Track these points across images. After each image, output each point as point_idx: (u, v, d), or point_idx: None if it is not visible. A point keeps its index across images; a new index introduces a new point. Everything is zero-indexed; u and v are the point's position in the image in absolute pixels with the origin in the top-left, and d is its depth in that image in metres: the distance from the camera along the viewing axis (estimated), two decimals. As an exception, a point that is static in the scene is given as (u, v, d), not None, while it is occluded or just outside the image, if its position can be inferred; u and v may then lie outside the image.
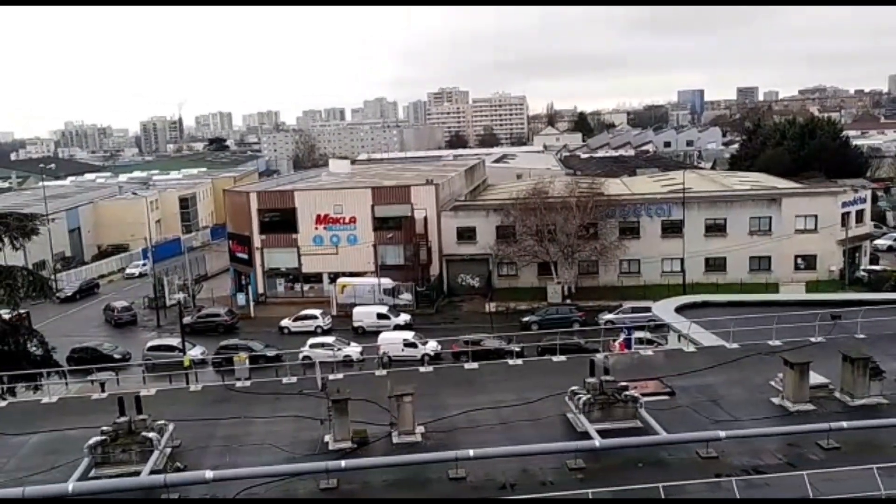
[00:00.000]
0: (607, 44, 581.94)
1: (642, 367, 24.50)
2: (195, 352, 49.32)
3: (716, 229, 64.57)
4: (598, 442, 17.92)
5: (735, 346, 25.95)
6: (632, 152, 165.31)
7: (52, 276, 68.96)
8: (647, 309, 41.98)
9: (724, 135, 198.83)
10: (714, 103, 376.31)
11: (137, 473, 17.43)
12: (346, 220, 67.04)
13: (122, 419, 18.39)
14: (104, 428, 18.31)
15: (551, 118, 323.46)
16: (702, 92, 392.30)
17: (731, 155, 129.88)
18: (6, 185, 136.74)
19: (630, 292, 60.54)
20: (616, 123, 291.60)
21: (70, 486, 16.70)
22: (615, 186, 75.23)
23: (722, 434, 17.82)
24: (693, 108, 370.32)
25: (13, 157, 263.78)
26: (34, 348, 32.34)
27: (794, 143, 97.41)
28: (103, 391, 26.05)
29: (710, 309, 35.61)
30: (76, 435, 19.30)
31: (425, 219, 65.82)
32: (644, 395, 20.25)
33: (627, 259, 64.95)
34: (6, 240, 31.91)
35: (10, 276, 31.54)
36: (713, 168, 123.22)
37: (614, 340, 39.79)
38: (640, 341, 39.30)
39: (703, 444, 18.11)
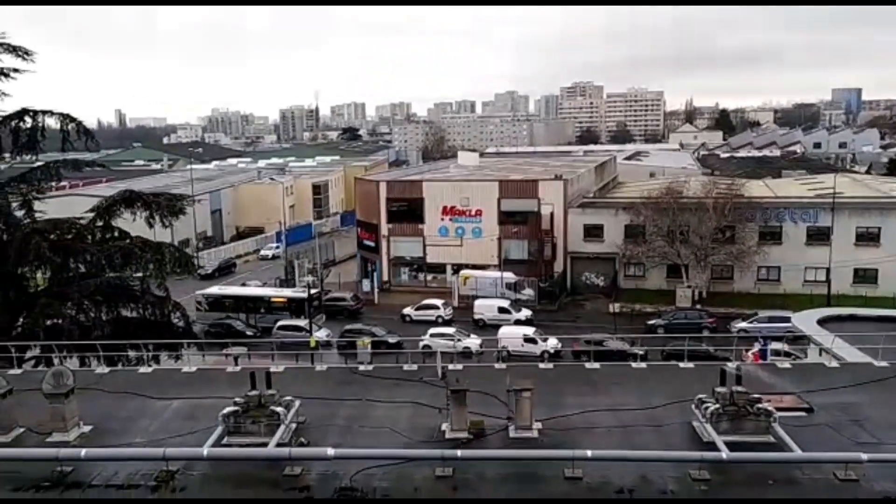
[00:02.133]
0: (755, 38, 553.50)
1: (778, 380, 23.17)
2: (321, 334, 51.24)
3: (868, 238, 60.25)
4: (725, 454, 17.08)
5: (884, 364, 24.03)
6: (777, 153, 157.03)
7: (195, 254, 73.38)
8: (786, 319, 39.92)
9: (882, 137, 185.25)
10: (872, 103, 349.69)
11: (265, 445, 18.23)
12: (472, 213, 67.46)
13: (253, 392, 19.27)
14: (237, 399, 19.26)
15: (690, 115, 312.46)
16: (859, 91, 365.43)
17: (890, 159, 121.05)
18: (158, 166, 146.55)
19: (767, 301, 57.59)
20: (761, 122, 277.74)
21: (205, 450, 17.73)
22: (757, 188, 71.77)
23: (864, 457, 16.53)
24: (848, 107, 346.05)
25: (165, 140, 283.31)
26: (177, 320, 34.63)
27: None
28: (236, 364, 27.40)
29: (857, 323, 33.23)
30: (211, 403, 20.39)
31: (552, 214, 65.21)
32: (778, 409, 19.11)
33: (766, 266, 61.78)
34: (157, 217, 34.32)
35: (159, 252, 33.89)
36: (868, 172, 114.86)
37: (748, 350, 37.93)
38: (777, 353, 37.25)
39: (841, 466, 16.88)
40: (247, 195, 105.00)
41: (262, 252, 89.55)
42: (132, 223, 34.88)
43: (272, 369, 22.57)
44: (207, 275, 75.79)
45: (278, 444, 18.20)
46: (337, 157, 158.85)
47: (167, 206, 34.66)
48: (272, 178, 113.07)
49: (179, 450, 17.91)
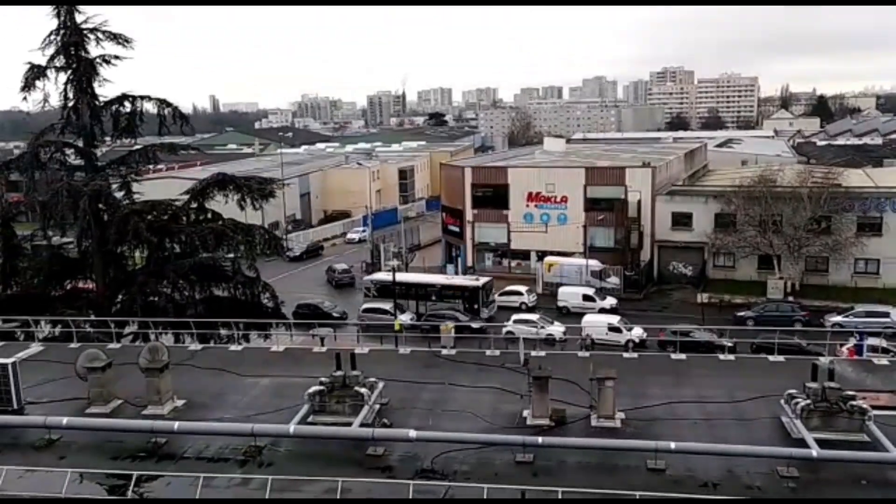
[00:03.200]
0: (859, 19, 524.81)
1: (874, 377, 22.18)
2: (405, 317, 51.93)
3: (976, 230, 56.59)
4: (815, 452, 16.55)
5: None
6: (879, 140, 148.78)
7: (284, 237, 75.39)
8: (885, 314, 38.09)
9: None
10: None
11: (349, 424, 18.72)
12: (558, 200, 66.86)
13: (339, 373, 19.80)
14: (322, 379, 19.83)
15: (785, 101, 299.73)
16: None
17: None
18: (250, 150, 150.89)
19: (865, 294, 54.95)
20: (862, 108, 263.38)
21: (291, 427, 18.39)
22: (856, 177, 68.33)
23: (969, 461, 15.73)
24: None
25: (256, 125, 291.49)
26: (266, 300, 35.79)
27: None
28: (323, 345, 28.17)
29: (962, 320, 31.38)
30: (298, 382, 21.09)
31: (639, 202, 63.92)
32: (874, 407, 18.33)
33: (865, 258, 58.85)
34: (248, 200, 35.48)
35: (250, 234, 35.07)
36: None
37: (842, 345, 36.36)
38: (874, 349, 35.57)
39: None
40: (334, 179, 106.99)
41: (349, 235, 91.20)
42: (224, 205, 36.14)
43: (357, 351, 23.12)
44: (296, 257, 77.75)
45: (362, 425, 18.68)
46: (423, 143, 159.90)
47: (258, 189, 35.79)
48: (359, 163, 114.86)
49: (267, 426, 18.64)
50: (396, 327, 45.35)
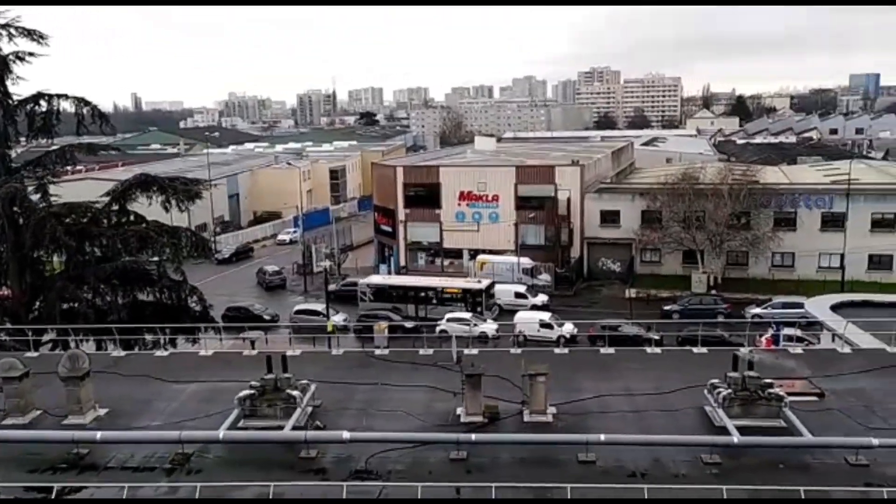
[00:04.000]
0: (773, 23, 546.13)
1: (790, 365, 23.15)
2: (338, 318, 51.55)
3: (883, 224, 59.66)
4: (736, 438, 17.18)
5: (897, 350, 23.99)
6: (793, 139, 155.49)
7: (212, 239, 73.85)
8: (800, 305, 39.73)
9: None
10: (891, 88, 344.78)
11: (281, 428, 18.47)
12: (489, 198, 67.42)
13: (270, 376, 19.50)
14: (253, 383, 19.50)
15: (706, 101, 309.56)
16: (877, 76, 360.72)
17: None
18: (174, 151, 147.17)
19: (781, 286, 57.27)
20: (777, 108, 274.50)
21: (220, 433, 18.02)
22: (772, 174, 71.10)
23: (875, 442, 16.57)
24: (866, 93, 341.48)
25: (182, 125, 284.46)
26: (194, 304, 34.98)
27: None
28: (253, 348, 27.72)
29: (870, 309, 33.03)
30: (228, 387, 20.66)
31: (568, 200, 65.06)
32: (790, 394, 19.15)
33: (781, 252, 61.38)
34: (173, 202, 34.60)
35: (176, 236, 34.23)
36: (885, 158, 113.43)
37: (761, 336, 37.81)
38: (790, 338, 37.12)
39: (852, 451, 16.93)
40: (264, 180, 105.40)
41: (280, 237, 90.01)
42: (148, 207, 35.18)
43: (289, 353, 22.81)
44: (224, 259, 76.32)
45: (294, 428, 18.45)
46: (354, 143, 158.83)
47: (183, 190, 34.94)
48: (289, 163, 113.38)
49: (195, 433, 18.21)
50: (329, 328, 45.03)
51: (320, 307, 52.56)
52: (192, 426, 18.82)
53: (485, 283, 55.83)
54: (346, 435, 17.58)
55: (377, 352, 26.00)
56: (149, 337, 31.00)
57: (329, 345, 37.30)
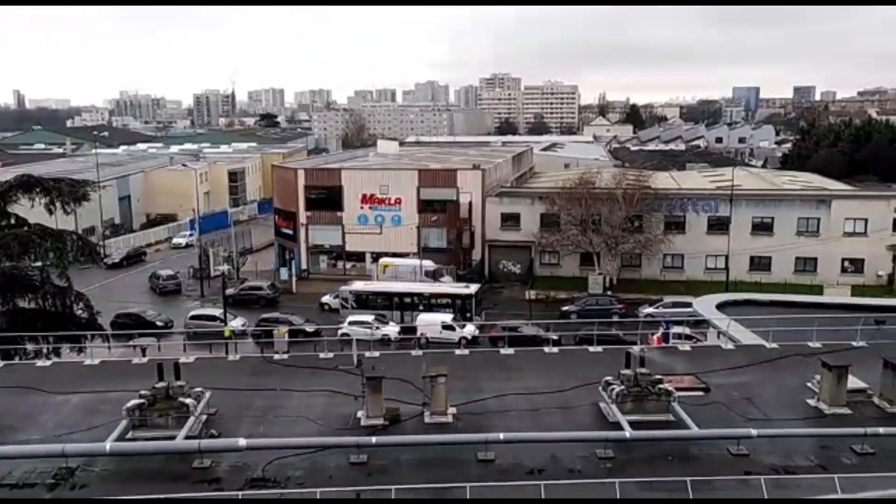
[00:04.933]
0: (665, 36, 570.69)
1: (678, 361, 24.23)
2: (236, 323, 50.23)
3: (763, 228, 63.27)
4: (628, 433, 17.85)
5: (774, 345, 25.50)
6: (682, 147, 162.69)
7: (101, 242, 70.68)
8: (688, 304, 41.51)
9: (777, 133, 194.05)
10: (769, 101, 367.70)
11: (173, 438, 17.84)
12: (392, 201, 67.36)
13: (161, 384, 18.83)
14: (143, 392, 18.77)
15: (602, 109, 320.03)
16: (757, 89, 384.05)
17: (784, 154, 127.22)
18: (60, 150, 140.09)
19: (672, 287, 59.76)
20: (668, 117, 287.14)
21: (107, 445, 17.23)
22: (663, 180, 74.16)
23: (754, 432, 17.59)
24: (748, 105, 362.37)
25: (69, 124, 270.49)
26: (80, 311, 33.32)
27: (849, 145, 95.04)
28: (144, 356, 26.68)
29: (751, 307, 35.08)
30: (116, 397, 19.82)
31: (470, 203, 65.79)
32: (678, 389, 20.06)
33: (671, 253, 64.11)
34: (58, 204, 32.87)
35: (60, 240, 32.50)
36: (764, 167, 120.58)
37: (652, 334, 39.34)
38: (679, 336, 38.81)
39: (734, 442, 17.90)
40: (158, 181, 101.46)
41: (175, 240, 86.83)
42: (31, 210, 33.30)
43: (182, 360, 22.10)
44: (115, 264, 73.08)
45: (187, 437, 17.86)
46: (254, 144, 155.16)
47: (69, 191, 33.27)
48: (185, 164, 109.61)
49: (79, 445, 17.36)
50: (227, 334, 43.86)
51: (217, 312, 51.04)
52: (76, 439, 17.94)
53: (473, 288, 54.58)
54: (242, 442, 17.15)
55: (276, 357, 25.54)
56: (30, 346, 29.30)
57: (226, 351, 36.36)
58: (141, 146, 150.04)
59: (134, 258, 77.47)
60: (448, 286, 56.68)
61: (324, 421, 19.49)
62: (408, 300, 54.60)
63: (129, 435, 18.23)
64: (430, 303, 54.02)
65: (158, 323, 51.89)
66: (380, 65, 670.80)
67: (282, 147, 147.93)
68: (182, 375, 19.38)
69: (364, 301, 54.72)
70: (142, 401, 18.57)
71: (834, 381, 20.11)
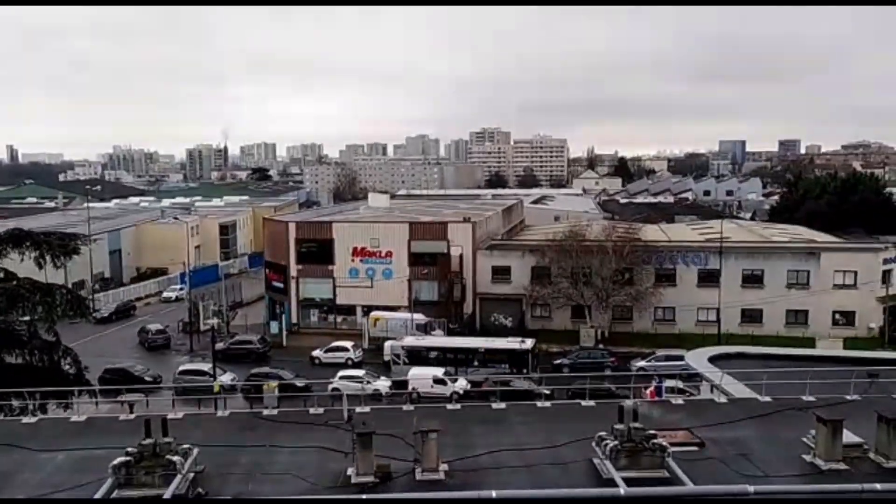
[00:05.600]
0: (653, 91, 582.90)
1: (672, 416, 24.02)
2: (225, 378, 49.74)
3: (753, 280, 63.63)
4: (622, 490, 17.56)
5: (768, 399, 25.34)
6: (671, 199, 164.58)
7: (91, 297, 70.26)
8: (680, 357, 41.44)
9: (764, 186, 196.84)
10: (755, 154, 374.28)
11: (160, 496, 17.47)
12: (383, 254, 67.50)
13: (148, 441, 18.48)
14: (129, 449, 18.42)
15: (591, 162, 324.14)
16: (743, 142, 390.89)
17: (771, 206, 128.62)
18: (52, 205, 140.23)
19: (664, 340, 59.79)
20: (656, 170, 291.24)
21: (92, 504, 16.84)
22: (653, 233, 74.75)
23: (750, 489, 17.34)
24: (734, 157, 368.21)
25: (61, 178, 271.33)
26: (67, 366, 32.93)
27: (835, 198, 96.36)
28: (132, 412, 26.28)
29: (744, 360, 34.91)
30: (102, 454, 19.40)
31: (461, 256, 65.98)
32: (672, 444, 19.81)
33: (662, 306, 64.21)
34: (48, 258, 32.77)
35: (50, 294, 32.33)
36: (752, 219, 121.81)
37: (645, 388, 39.14)
38: (672, 390, 38.62)
39: (730, 499, 17.64)
40: (149, 235, 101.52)
41: (165, 294, 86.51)
42: (21, 264, 33.16)
43: (170, 416, 21.76)
44: (104, 318, 72.57)
45: (174, 496, 17.48)
46: (246, 198, 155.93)
47: (59, 245, 33.24)
48: (176, 218, 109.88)
49: (65, 504, 16.96)
50: (216, 389, 43.38)
51: (206, 367, 50.57)
52: (60, 499, 17.53)
53: (529, 342, 53.80)
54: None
55: (265, 412, 25.21)
56: (16, 402, 28.82)
57: (215, 406, 35.90)
58: (133, 200, 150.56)
59: (123, 312, 77.01)
60: (504, 341, 55.36)
61: (313, 478, 19.12)
62: (462, 356, 53.66)
63: (115, 494, 17.81)
64: (486, 358, 52.98)
65: (147, 378, 51.32)
66: (372, 119, 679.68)
67: (273, 200, 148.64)
68: (170, 432, 19.03)
69: (416, 356, 53.71)
70: (128, 458, 18.17)
71: (829, 436, 19.93)
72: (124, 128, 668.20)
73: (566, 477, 19.25)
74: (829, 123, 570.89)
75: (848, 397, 25.01)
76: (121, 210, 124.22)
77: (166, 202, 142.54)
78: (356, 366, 54.94)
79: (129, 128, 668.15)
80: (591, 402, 25.95)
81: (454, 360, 53.42)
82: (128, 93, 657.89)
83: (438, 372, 49.84)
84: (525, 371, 51.21)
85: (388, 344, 56.18)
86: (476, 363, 52.90)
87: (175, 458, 18.36)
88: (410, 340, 56.37)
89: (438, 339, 57.45)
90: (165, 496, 17.35)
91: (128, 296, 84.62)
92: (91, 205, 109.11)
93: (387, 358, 55.45)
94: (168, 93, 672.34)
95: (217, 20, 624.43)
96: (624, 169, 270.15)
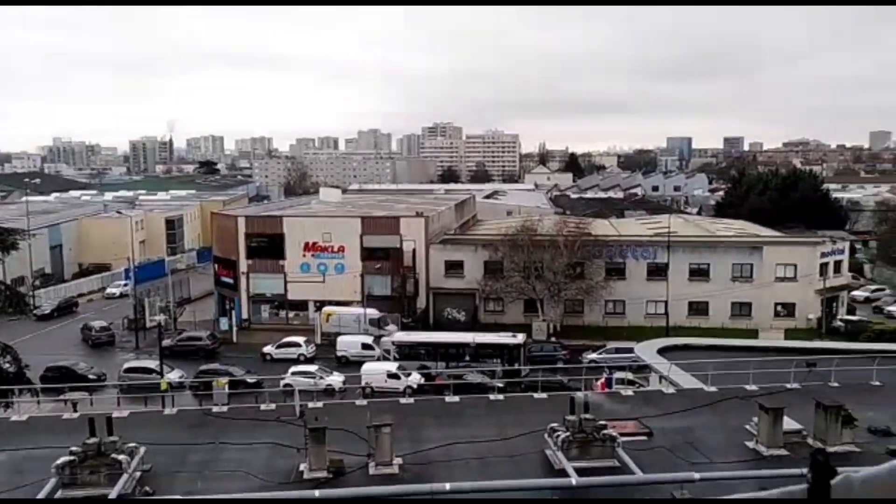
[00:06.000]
0: (604, 88, 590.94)
1: (622, 406, 24.44)
2: (173, 375, 48.74)
3: (699, 274, 64.97)
4: (574, 480, 17.80)
5: (713, 388, 26.00)
6: (621, 194, 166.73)
7: (31, 293, 68.21)
8: (630, 350, 42.13)
9: (710, 182, 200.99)
10: (701, 151, 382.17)
11: (105, 496, 17.09)
12: (335, 249, 66.95)
13: (92, 440, 18.07)
14: (73, 448, 17.97)
15: (543, 157, 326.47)
16: (690, 139, 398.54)
17: (717, 202, 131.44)
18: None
19: (614, 332, 60.57)
20: (606, 166, 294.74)
21: (35, 506, 16.38)
22: (603, 227, 75.67)
23: (696, 476, 17.77)
24: (681, 154, 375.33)
25: None
26: (7, 365, 31.93)
27: (777, 194, 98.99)
28: (75, 411, 25.65)
29: (690, 352, 35.70)
30: (44, 454, 18.90)
31: (414, 251, 65.85)
32: (622, 434, 20.19)
33: (613, 300, 65.11)
34: (-14, 253, 31.72)
35: (-12, 290, 31.28)
36: (699, 213, 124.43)
37: (596, 380, 39.68)
38: (622, 381, 39.24)
39: (677, 486, 18.02)
40: (91, 230, 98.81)
41: (109, 290, 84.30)
42: (-44, 260, 32.03)
43: (115, 414, 21.30)
44: (45, 315, 70.51)
45: (120, 495, 17.13)
46: (193, 192, 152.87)
47: (-3, 240, 32.17)
48: (120, 212, 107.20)
49: (5, 506, 16.47)
50: (163, 387, 42.55)
51: (153, 364, 49.50)
52: (1, 499, 17.01)
53: (521, 337, 53.28)
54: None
55: (215, 409, 24.84)
56: (-49, 403, 27.91)
57: (162, 404, 35.22)
58: (74, 193, 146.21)
59: (65, 309, 74.91)
60: (495, 336, 54.73)
61: (265, 475, 18.92)
62: (453, 351, 53.19)
63: (59, 494, 17.38)
64: (478, 352, 52.55)
65: (90, 376, 49.92)
66: (322, 113, 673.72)
67: (222, 194, 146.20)
68: (115, 430, 18.65)
69: (408, 352, 53.25)
70: (72, 458, 17.76)
71: (771, 423, 20.56)
72: (63, 121, 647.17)
73: (519, 468, 19.44)
74: (771, 122, 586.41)
75: (788, 386, 25.82)
76: (62, 204, 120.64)
77: (109, 196, 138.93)
78: (309, 361, 54.46)
79: (69, 121, 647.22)
80: (543, 395, 26.25)
81: (445, 354, 53.03)
82: (68, 85, 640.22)
83: (392, 367, 49.72)
84: (517, 364, 50.98)
85: (385, 339, 55.74)
86: (468, 358, 52.48)
87: (121, 456, 18.02)
88: (400, 336, 56.03)
89: (429, 335, 57.06)
90: (111, 496, 16.99)
91: (70, 292, 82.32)
92: (30, 198, 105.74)
93: (348, 355, 55.31)
94: (111, 85, 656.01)
95: (165, 13, 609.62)
96: (575, 165, 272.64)
